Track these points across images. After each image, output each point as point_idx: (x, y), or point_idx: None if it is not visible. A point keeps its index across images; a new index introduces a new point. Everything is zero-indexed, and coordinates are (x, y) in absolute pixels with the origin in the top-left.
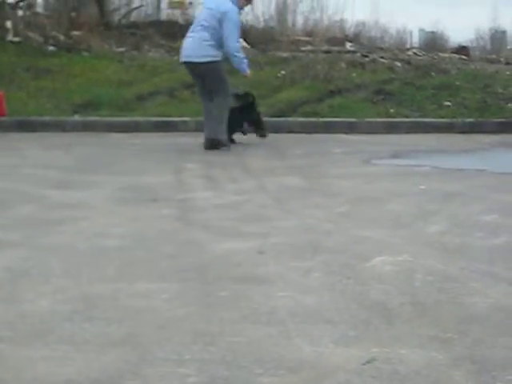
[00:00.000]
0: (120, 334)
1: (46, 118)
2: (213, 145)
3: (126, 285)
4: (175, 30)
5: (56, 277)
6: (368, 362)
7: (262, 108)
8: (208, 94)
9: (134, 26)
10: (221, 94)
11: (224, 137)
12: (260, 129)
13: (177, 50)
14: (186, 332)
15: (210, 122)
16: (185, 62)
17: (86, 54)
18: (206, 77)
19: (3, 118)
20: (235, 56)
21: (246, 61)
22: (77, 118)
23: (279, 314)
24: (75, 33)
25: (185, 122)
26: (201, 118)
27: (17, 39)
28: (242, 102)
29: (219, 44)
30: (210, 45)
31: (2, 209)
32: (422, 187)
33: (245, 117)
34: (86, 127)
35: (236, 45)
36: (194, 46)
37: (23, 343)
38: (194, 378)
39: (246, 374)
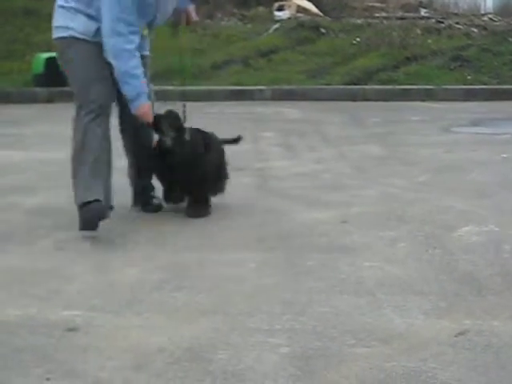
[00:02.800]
0: (209, 303)
1: None
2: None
3: (212, 254)
4: None
5: (142, 246)
6: (460, 333)
7: (336, 76)
8: None
9: None
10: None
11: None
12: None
13: (250, 18)
14: (274, 302)
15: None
16: None
17: None
18: None
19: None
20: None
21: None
22: (151, 87)
23: (367, 285)
24: None
25: (261, 90)
26: (277, 86)
27: None
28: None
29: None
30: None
31: None
32: (504, 155)
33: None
34: (161, 96)
35: (112, 26)
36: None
37: (114, 312)
38: (286, 348)
39: (338, 345)
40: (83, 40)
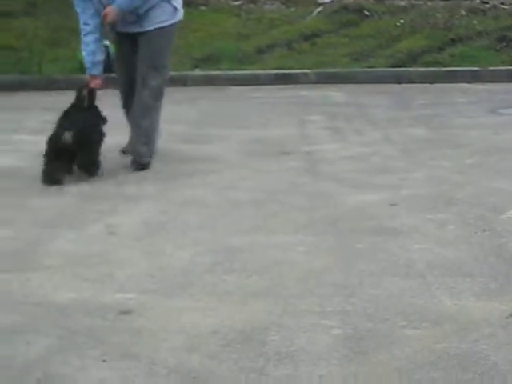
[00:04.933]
0: (261, 285)
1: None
2: None
3: (262, 237)
4: None
5: (192, 230)
6: (511, 315)
7: (380, 59)
8: None
9: None
10: None
11: None
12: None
13: (293, 2)
14: (325, 284)
15: None
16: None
17: (203, 8)
18: None
19: None
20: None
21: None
22: (197, 71)
23: (417, 267)
24: None
25: (305, 74)
26: (321, 70)
27: None
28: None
29: None
30: None
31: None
32: None
33: None
34: (207, 81)
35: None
36: None
37: (166, 295)
38: (338, 329)
39: (389, 326)
40: None
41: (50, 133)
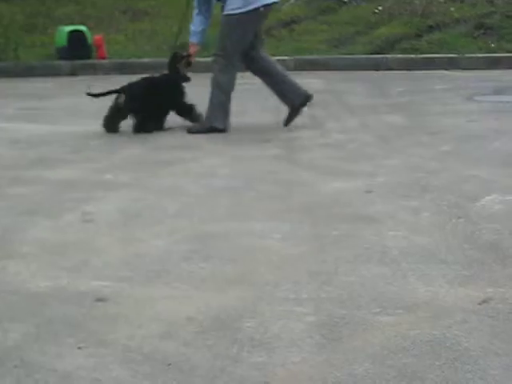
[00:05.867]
0: (236, 272)
1: (146, 60)
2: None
3: (238, 224)
4: None
5: (169, 217)
6: (484, 301)
7: (358, 46)
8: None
9: None
10: None
11: None
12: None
13: None
14: (300, 271)
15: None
16: (267, 5)
17: None
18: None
19: (104, 61)
20: None
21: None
22: None
23: (392, 254)
24: None
25: (284, 60)
26: (299, 56)
27: None
28: None
29: None
30: None
31: (109, 151)
32: None
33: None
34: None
35: None
36: None
37: (142, 282)
38: (312, 316)
39: (364, 313)
40: None
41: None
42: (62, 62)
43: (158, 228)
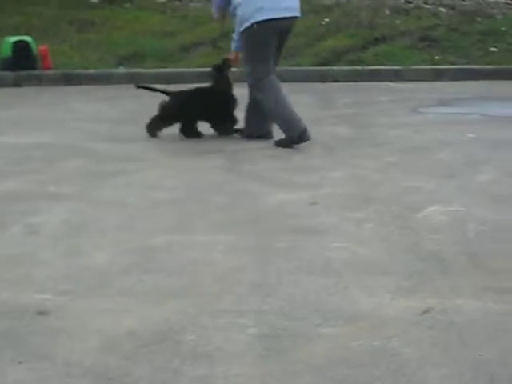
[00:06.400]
0: (178, 285)
1: (91, 71)
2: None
3: (181, 237)
4: None
5: (112, 230)
6: (425, 312)
7: (305, 57)
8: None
9: None
10: None
11: None
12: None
13: None
14: (243, 283)
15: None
16: (283, 19)
17: (128, 5)
18: (287, 38)
19: (49, 72)
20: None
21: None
22: (121, 70)
23: (334, 265)
24: None
25: (231, 72)
26: None
27: None
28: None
29: None
30: None
31: (53, 163)
32: (471, 136)
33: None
34: (131, 79)
35: None
36: None
37: (84, 295)
38: (254, 328)
39: (305, 325)
40: None
41: None
42: (6, 73)
43: (100, 240)
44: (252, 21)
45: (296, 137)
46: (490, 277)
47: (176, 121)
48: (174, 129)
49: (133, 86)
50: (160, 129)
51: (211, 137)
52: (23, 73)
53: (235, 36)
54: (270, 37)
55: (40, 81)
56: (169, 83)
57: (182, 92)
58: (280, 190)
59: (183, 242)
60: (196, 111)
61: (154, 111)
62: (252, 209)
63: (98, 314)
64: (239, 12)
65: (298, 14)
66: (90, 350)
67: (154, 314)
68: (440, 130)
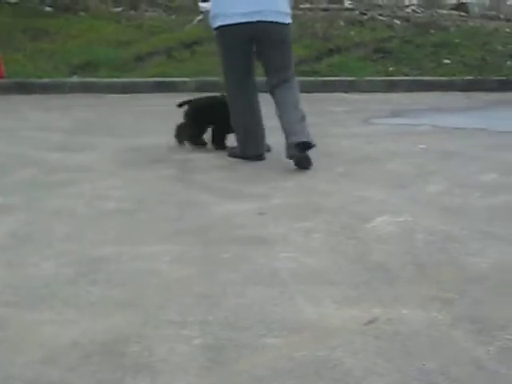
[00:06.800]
0: (124, 296)
1: (45, 80)
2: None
3: (128, 247)
4: None
5: (59, 240)
6: (370, 322)
7: (259, 68)
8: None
9: None
10: (293, 73)
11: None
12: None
13: (174, 9)
14: (189, 294)
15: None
16: (247, 25)
17: (82, 14)
18: (279, 49)
19: (1, 81)
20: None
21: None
22: (75, 79)
23: (281, 275)
24: None
25: (184, 82)
26: (201, 78)
27: (13, 0)
28: None
29: None
30: None
31: (2, 173)
32: (422, 146)
33: None
34: (85, 88)
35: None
36: None
37: (28, 307)
38: (198, 339)
39: (250, 335)
40: None
41: None
42: None
43: (47, 251)
44: (213, 26)
45: (249, 155)
46: (436, 287)
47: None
48: (124, 139)
49: (86, 95)
50: (191, 137)
51: (162, 146)
52: None
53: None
54: (231, 44)
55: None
56: (122, 93)
57: (198, 99)
58: (229, 201)
59: (131, 253)
60: (209, 120)
61: (105, 122)
62: (200, 219)
63: (41, 325)
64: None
65: (269, 18)
66: (31, 363)
67: (99, 325)
68: (392, 140)
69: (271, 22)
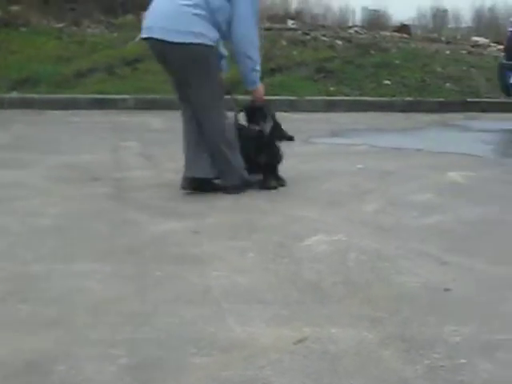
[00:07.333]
0: (54, 315)
1: None
2: (201, 185)
3: (60, 265)
4: (115, 6)
5: None
6: (299, 341)
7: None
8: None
9: (73, 0)
10: (213, 106)
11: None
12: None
13: (117, 26)
14: (119, 313)
15: (197, 153)
16: (148, 39)
17: (23, 29)
18: (186, 71)
19: None
20: (247, 56)
21: (258, 68)
22: (14, 94)
23: (213, 294)
24: (13, 7)
25: (124, 99)
26: (141, 96)
27: None
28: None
29: (217, 21)
30: (198, 15)
31: None
32: (360, 166)
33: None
34: (24, 104)
35: (252, 33)
36: (170, 13)
37: None
38: (126, 358)
39: (179, 354)
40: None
41: None
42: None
43: None
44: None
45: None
46: (366, 305)
47: None
48: (61, 156)
49: (25, 111)
50: None
51: (99, 163)
52: None
53: (258, 66)
54: (158, 61)
55: None
56: (63, 109)
57: None
58: (164, 219)
59: (62, 271)
60: None
61: (43, 139)
62: (134, 237)
63: None
64: None
65: (165, 37)
66: None
67: (27, 344)
68: (330, 160)
69: (160, 41)
